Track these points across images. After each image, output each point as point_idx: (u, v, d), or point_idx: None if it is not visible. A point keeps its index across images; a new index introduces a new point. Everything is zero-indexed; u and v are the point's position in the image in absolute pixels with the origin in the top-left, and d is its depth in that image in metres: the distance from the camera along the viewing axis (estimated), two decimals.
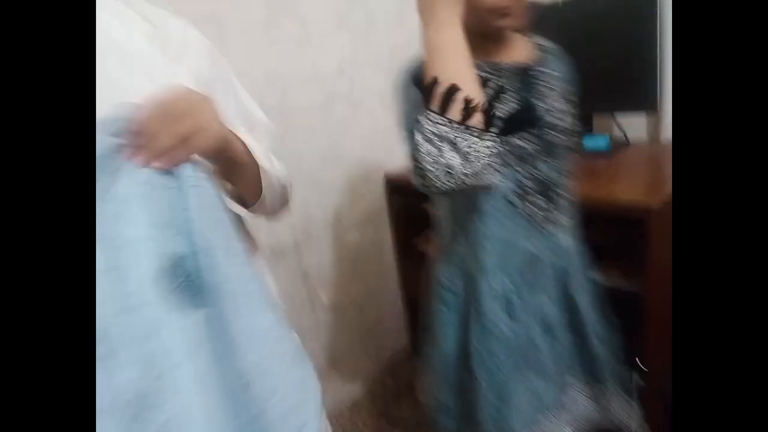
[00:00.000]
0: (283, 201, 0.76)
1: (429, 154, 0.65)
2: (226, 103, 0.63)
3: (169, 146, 0.50)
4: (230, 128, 0.59)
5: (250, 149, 0.62)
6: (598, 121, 1.52)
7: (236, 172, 0.63)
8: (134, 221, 0.47)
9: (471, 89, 0.66)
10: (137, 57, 0.58)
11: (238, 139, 0.61)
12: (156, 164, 0.49)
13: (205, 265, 0.49)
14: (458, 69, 0.66)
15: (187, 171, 0.50)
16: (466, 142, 0.65)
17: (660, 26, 1.24)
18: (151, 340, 0.46)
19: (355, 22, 1.55)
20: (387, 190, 1.71)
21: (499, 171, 0.75)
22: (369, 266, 1.77)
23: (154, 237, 0.48)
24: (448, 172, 0.65)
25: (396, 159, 1.73)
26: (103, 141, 0.47)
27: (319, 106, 1.49)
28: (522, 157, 0.79)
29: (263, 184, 0.66)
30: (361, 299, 1.76)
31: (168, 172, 0.50)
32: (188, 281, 0.49)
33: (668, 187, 1.10)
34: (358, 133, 1.61)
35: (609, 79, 1.34)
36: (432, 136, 0.65)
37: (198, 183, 0.51)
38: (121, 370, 0.45)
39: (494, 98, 0.76)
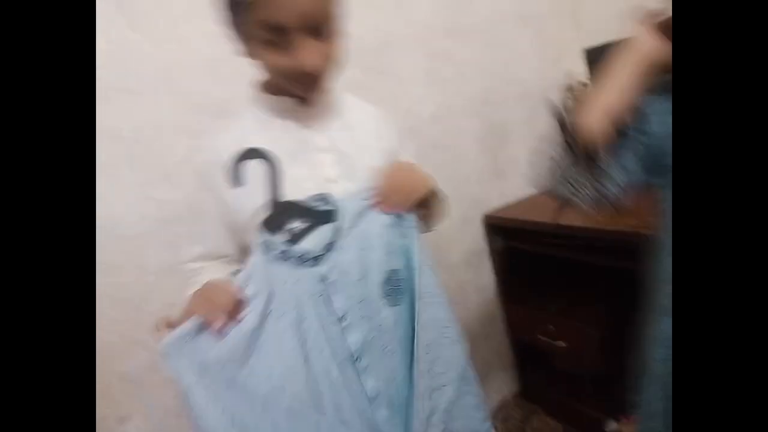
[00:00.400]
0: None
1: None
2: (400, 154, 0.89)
3: (398, 201, 0.78)
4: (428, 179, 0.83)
5: (438, 190, 0.86)
6: None
7: (435, 209, 0.88)
8: (375, 248, 0.76)
9: None
10: (364, 139, 0.85)
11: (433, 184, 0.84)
12: (390, 211, 0.78)
13: (411, 276, 0.79)
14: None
15: (407, 217, 0.79)
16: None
17: None
18: (373, 319, 0.76)
19: (445, 74, 1.61)
20: (487, 232, 1.71)
21: None
22: (471, 310, 1.75)
23: (384, 258, 0.77)
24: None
25: (492, 201, 1.74)
26: (359, 201, 0.77)
27: (415, 154, 1.54)
28: None
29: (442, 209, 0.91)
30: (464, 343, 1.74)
31: (397, 216, 0.78)
32: (398, 286, 0.78)
33: None
34: (453, 177, 1.64)
35: None
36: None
37: (412, 224, 0.79)
38: (354, 332, 0.74)
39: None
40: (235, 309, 0.69)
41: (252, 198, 0.74)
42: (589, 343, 1.44)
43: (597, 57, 1.59)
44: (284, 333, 0.72)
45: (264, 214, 0.73)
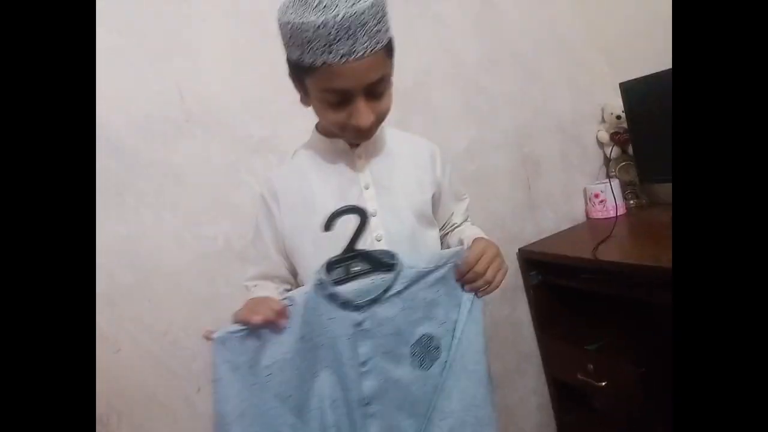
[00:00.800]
0: None
1: None
2: (449, 186, 0.98)
3: (491, 281, 0.82)
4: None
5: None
6: None
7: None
8: (416, 309, 0.80)
9: None
10: (413, 174, 0.92)
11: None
12: (471, 291, 0.82)
13: (444, 344, 0.82)
14: None
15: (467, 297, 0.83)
16: None
17: None
18: (392, 372, 0.80)
19: (480, 108, 1.63)
20: (522, 266, 1.69)
21: None
22: (507, 345, 1.71)
23: (422, 321, 0.81)
24: None
25: (526, 235, 1.72)
26: (422, 267, 0.80)
27: None
28: None
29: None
30: (499, 380, 1.70)
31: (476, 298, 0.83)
32: (428, 350, 0.81)
33: None
34: (488, 210, 1.64)
35: None
36: None
37: (469, 300, 0.82)
38: (370, 379, 0.79)
39: None
40: (275, 317, 0.73)
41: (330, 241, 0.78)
42: (629, 381, 1.39)
43: (632, 91, 1.58)
44: (305, 352, 0.76)
45: (333, 256, 0.78)
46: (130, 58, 1.12)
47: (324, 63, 0.70)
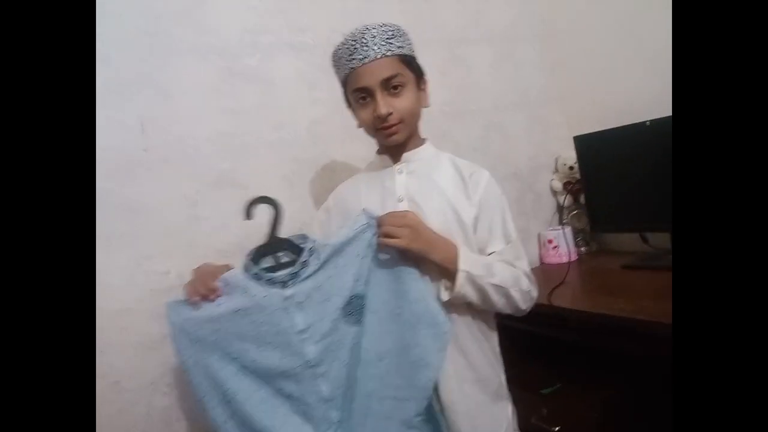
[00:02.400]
0: (506, 303, 0.98)
1: None
2: (492, 220, 1.01)
3: (391, 235, 0.90)
4: (437, 239, 0.94)
5: (454, 256, 0.93)
6: None
7: (427, 263, 0.94)
8: (341, 276, 0.92)
9: None
10: (447, 197, 1.00)
11: (445, 247, 0.94)
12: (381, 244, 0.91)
13: (366, 305, 0.93)
14: None
15: (384, 252, 0.92)
16: None
17: None
18: (332, 335, 0.91)
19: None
20: None
21: None
22: None
23: (349, 285, 0.92)
24: None
25: None
26: (338, 240, 0.92)
27: None
28: None
29: (458, 283, 0.92)
30: None
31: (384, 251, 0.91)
32: (360, 308, 0.93)
33: None
34: None
35: None
36: None
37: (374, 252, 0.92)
38: (311, 344, 0.91)
39: None
40: (208, 293, 0.88)
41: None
42: (583, 426, 1.40)
43: (585, 144, 1.66)
44: (244, 327, 0.89)
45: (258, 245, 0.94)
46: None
47: (350, 69, 0.96)
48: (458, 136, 1.66)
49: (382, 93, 0.96)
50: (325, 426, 0.91)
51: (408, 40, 1.00)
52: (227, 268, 0.93)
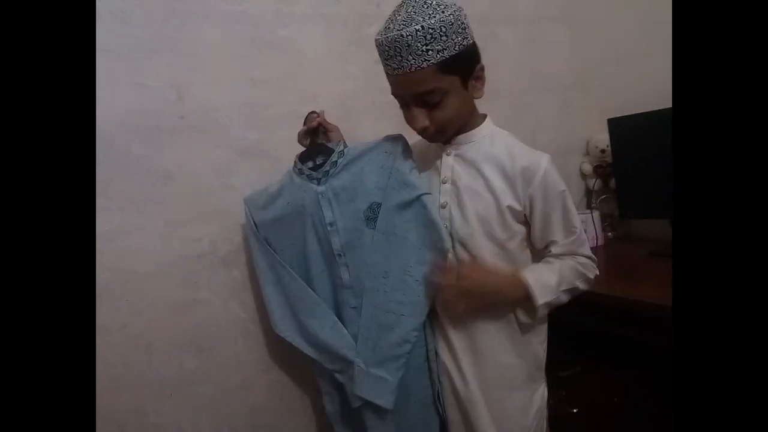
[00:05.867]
0: (574, 296, 1.02)
1: None
2: (549, 214, 0.96)
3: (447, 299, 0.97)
4: (501, 285, 0.97)
5: (524, 293, 0.94)
6: None
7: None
8: (364, 183, 1.03)
9: None
10: (491, 182, 0.96)
11: (512, 289, 0.96)
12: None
13: (381, 214, 1.02)
14: None
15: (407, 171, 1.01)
16: None
17: None
18: (354, 232, 1.04)
19: None
20: None
21: None
22: None
23: (371, 191, 1.03)
24: None
25: None
26: (364, 147, 1.06)
27: None
28: None
29: (538, 312, 0.96)
30: None
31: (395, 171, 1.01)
32: (375, 215, 1.02)
33: None
34: None
35: None
36: None
37: (392, 175, 1.02)
38: (336, 236, 1.05)
39: None
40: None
41: None
42: (601, 409, 1.41)
43: (619, 127, 1.63)
44: (293, 216, 1.07)
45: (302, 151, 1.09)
46: (127, 54, 1.10)
47: (387, 73, 0.92)
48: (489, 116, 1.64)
49: (419, 105, 0.91)
50: (346, 308, 1.06)
51: (453, 33, 0.85)
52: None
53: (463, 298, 0.94)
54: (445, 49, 0.85)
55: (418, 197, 0.98)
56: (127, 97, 1.09)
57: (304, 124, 1.11)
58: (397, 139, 1.04)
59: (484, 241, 0.97)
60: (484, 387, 1.01)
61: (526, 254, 1.03)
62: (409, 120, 0.94)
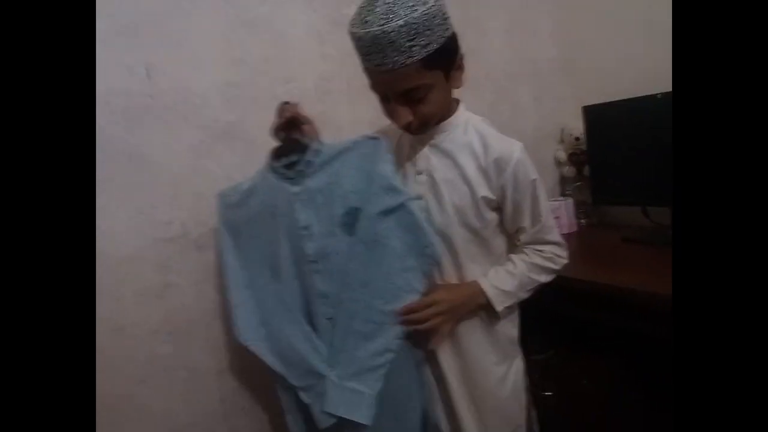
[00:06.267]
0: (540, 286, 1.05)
1: None
2: (519, 202, 0.97)
3: (427, 330, 0.96)
4: (463, 295, 0.99)
5: (484, 300, 0.99)
6: None
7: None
8: (342, 185, 0.96)
9: None
10: (466, 174, 0.96)
11: (473, 298, 0.99)
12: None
13: (360, 221, 0.95)
14: None
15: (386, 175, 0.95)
16: None
17: None
18: (330, 238, 0.96)
19: None
20: None
21: None
22: None
23: (349, 196, 0.96)
24: None
25: None
26: (342, 146, 0.98)
27: None
28: None
29: (500, 314, 1.01)
30: None
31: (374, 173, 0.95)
32: (354, 221, 0.95)
33: None
34: None
35: None
36: None
37: (373, 181, 0.95)
38: (311, 241, 0.97)
39: None
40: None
41: None
42: (574, 392, 1.44)
43: (594, 115, 1.65)
44: (266, 216, 1.01)
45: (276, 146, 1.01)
46: (98, 26, 1.05)
47: (366, 68, 0.88)
48: (467, 102, 1.63)
49: (402, 103, 0.89)
50: (320, 318, 0.98)
51: (436, 26, 0.82)
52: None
53: (442, 322, 0.96)
54: (429, 44, 0.82)
55: (403, 203, 0.94)
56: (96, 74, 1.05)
57: (277, 115, 1.02)
58: (377, 140, 0.96)
59: (460, 230, 0.98)
60: (461, 369, 1.03)
61: (501, 238, 1.05)
62: (391, 114, 0.92)
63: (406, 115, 0.89)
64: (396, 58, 0.81)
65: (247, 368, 1.24)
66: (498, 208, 1.00)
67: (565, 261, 1.07)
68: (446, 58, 0.88)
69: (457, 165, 0.97)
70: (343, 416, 0.94)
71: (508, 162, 0.95)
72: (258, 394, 1.27)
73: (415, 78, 0.84)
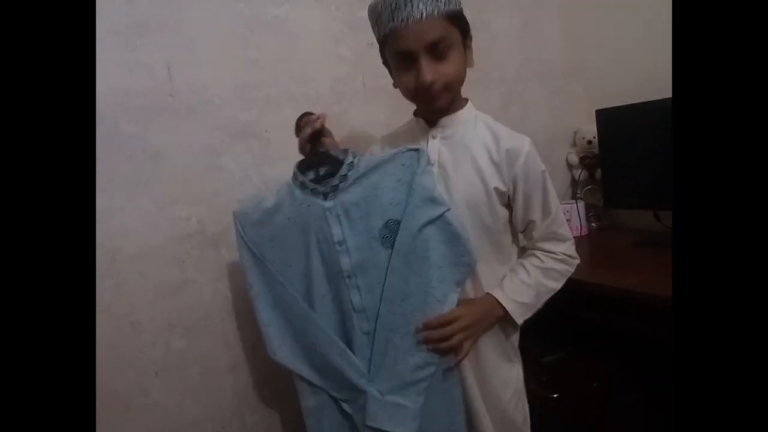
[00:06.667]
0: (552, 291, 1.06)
1: None
2: (530, 196, 0.99)
3: (453, 348, 0.94)
4: (482, 311, 0.98)
5: (502, 313, 0.99)
6: None
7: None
8: (380, 198, 0.94)
9: None
10: (479, 165, 0.98)
11: (492, 313, 1.00)
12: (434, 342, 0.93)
13: (400, 234, 0.93)
14: None
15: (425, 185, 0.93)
16: None
17: None
18: (367, 252, 0.95)
19: None
20: None
21: None
22: None
23: (387, 208, 0.94)
24: None
25: None
26: (377, 158, 0.96)
27: None
28: None
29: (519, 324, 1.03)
30: None
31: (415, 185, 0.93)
32: (394, 233, 0.93)
33: None
34: None
35: None
36: None
37: (411, 195, 0.93)
38: (346, 256, 0.95)
39: None
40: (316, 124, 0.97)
41: None
42: (581, 395, 1.44)
43: (607, 118, 1.65)
44: (294, 233, 0.97)
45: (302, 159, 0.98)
46: (116, 30, 1.07)
47: (391, 29, 0.89)
48: (478, 103, 1.63)
49: (427, 58, 0.89)
50: (356, 333, 0.95)
51: None
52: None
53: (465, 338, 0.95)
54: (451, 1, 0.90)
55: (442, 214, 0.93)
56: (115, 74, 1.07)
57: (297, 126, 1.01)
58: (415, 151, 0.95)
59: (471, 226, 0.98)
60: (478, 376, 1.04)
61: (510, 239, 1.06)
62: (415, 78, 0.92)
63: (432, 71, 0.90)
64: (422, 7, 0.86)
65: (259, 365, 1.26)
66: (508, 204, 1.01)
67: (577, 261, 1.07)
68: (463, 23, 0.94)
69: (470, 156, 0.99)
70: (387, 430, 0.93)
71: (520, 153, 0.97)
72: (271, 390, 1.28)
73: (440, 29, 0.89)
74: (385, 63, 1.01)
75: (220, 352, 1.22)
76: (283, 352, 0.99)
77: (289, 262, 0.98)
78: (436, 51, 0.90)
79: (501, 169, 0.97)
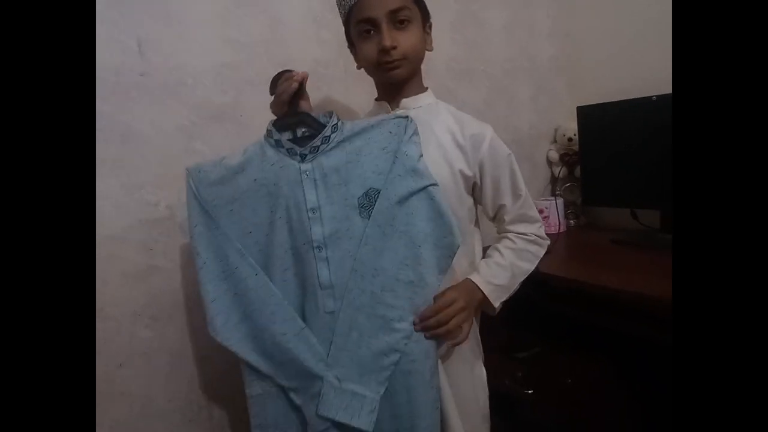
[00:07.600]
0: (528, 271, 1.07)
1: None
2: (498, 179, 1.01)
3: (451, 331, 0.91)
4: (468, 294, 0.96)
5: (481, 297, 0.98)
6: None
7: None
8: (362, 164, 0.89)
9: None
10: (444, 147, 0.99)
11: (474, 295, 0.98)
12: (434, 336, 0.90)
13: (378, 202, 0.87)
14: None
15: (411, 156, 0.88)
16: None
17: None
18: (343, 222, 0.88)
19: None
20: None
21: None
22: None
23: (369, 176, 0.88)
24: None
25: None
26: (363, 123, 0.91)
27: None
28: None
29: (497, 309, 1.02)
30: None
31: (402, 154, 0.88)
32: (373, 204, 0.87)
33: None
34: None
35: None
36: None
37: (396, 161, 0.88)
38: (319, 225, 0.87)
39: None
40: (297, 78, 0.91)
41: None
42: (556, 391, 1.44)
43: (588, 116, 1.65)
44: (261, 196, 0.88)
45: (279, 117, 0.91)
46: None
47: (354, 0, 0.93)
48: (463, 96, 1.63)
49: (388, 25, 0.93)
50: (319, 312, 0.88)
51: None
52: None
53: (465, 318, 0.93)
54: None
55: (426, 187, 0.87)
56: None
57: (272, 84, 0.93)
58: (404, 119, 0.89)
59: None
60: (445, 371, 1.01)
61: (471, 226, 1.07)
62: (376, 45, 0.94)
63: (392, 38, 0.92)
64: None
65: (229, 355, 1.22)
66: (472, 193, 1.03)
67: (548, 242, 1.10)
68: (423, 7, 0.99)
69: (432, 135, 0.99)
70: (340, 421, 0.86)
71: (484, 138, 1.00)
72: (240, 382, 1.25)
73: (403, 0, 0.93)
74: (350, 44, 1.03)
75: (189, 341, 1.18)
76: (228, 331, 0.89)
77: (249, 229, 0.88)
78: (397, 20, 0.93)
79: (466, 152, 0.99)
